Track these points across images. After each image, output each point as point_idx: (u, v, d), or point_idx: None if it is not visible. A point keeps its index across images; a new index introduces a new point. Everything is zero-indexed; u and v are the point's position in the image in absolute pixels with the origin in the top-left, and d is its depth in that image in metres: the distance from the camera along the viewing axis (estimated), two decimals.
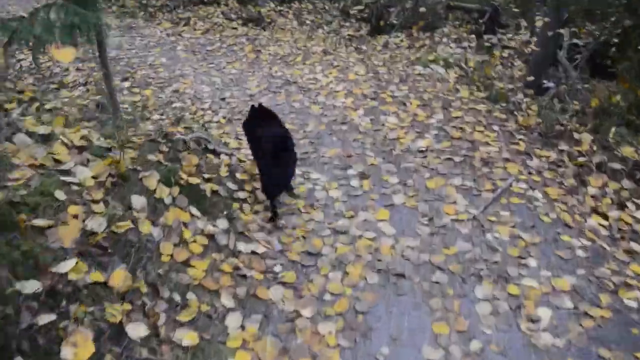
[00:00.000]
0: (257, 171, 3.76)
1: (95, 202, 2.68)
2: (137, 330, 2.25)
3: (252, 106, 3.91)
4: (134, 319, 2.27)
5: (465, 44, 7.29)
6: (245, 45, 7.41)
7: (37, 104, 4.77)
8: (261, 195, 3.66)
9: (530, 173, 4.11)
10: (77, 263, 2.20)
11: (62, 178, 2.72)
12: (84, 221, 2.52)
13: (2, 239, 2.15)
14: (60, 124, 3.83)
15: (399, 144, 4.48)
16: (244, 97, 5.57)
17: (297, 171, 4.02)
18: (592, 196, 3.86)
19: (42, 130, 3.17)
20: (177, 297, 2.55)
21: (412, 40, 7.55)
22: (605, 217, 3.64)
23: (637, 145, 4.19)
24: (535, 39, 6.44)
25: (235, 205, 3.48)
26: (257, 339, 2.53)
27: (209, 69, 6.45)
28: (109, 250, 2.45)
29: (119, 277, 2.36)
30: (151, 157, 3.39)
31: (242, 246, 3.12)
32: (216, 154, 4.08)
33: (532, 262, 3.16)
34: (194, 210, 3.18)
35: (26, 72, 6.15)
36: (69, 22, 2.36)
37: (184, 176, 3.36)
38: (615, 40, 5.51)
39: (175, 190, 3.20)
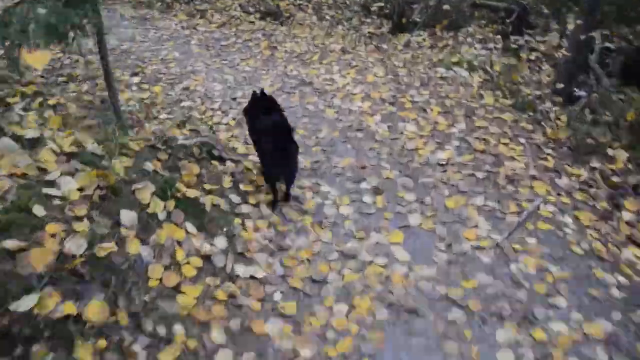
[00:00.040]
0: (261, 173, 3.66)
1: (79, 218, 2.43)
2: None
3: (254, 92, 3.73)
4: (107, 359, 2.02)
5: (491, 45, 6.84)
6: (261, 40, 7.11)
7: (40, 99, 4.58)
8: (266, 210, 3.39)
9: (559, 194, 3.77)
10: (40, 298, 1.93)
11: (44, 190, 2.48)
12: (62, 240, 2.28)
13: None
14: (55, 124, 3.61)
15: (418, 156, 4.16)
16: None
17: (307, 183, 3.77)
18: (627, 222, 3.52)
19: (30, 134, 2.93)
20: (161, 331, 2.29)
21: (434, 40, 7.16)
22: None
23: None
24: (565, 41, 6.02)
25: (237, 220, 3.20)
26: None
27: (222, 66, 6.18)
28: (87, 278, 2.20)
29: (95, 309, 2.11)
30: (148, 165, 3.14)
31: (240, 269, 2.84)
32: (222, 160, 3.82)
33: (561, 302, 2.82)
34: (190, 227, 2.91)
35: None
36: (46, 22, 2.08)
37: (182, 188, 3.11)
38: None
39: (171, 203, 2.94)
